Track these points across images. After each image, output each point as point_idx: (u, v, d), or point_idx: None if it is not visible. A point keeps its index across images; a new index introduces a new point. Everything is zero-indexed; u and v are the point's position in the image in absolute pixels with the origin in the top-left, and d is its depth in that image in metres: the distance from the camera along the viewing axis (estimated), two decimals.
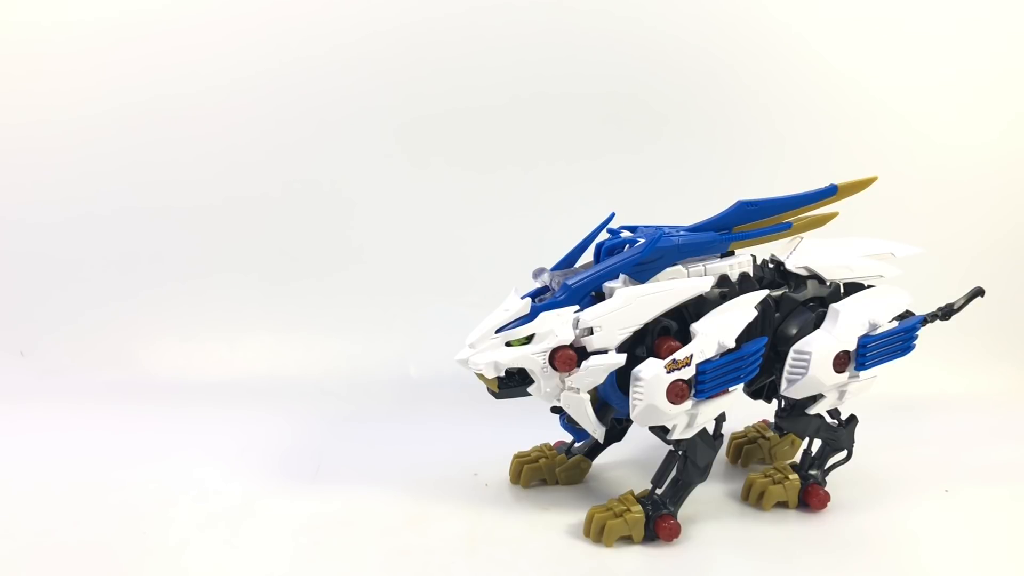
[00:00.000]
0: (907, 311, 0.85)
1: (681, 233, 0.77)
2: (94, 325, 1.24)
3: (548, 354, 0.72)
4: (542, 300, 0.76)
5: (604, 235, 0.80)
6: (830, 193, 0.81)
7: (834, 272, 0.83)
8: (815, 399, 0.82)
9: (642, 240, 0.76)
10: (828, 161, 1.27)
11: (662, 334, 0.75)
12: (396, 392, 1.18)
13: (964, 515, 0.85)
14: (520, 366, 0.72)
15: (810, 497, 0.85)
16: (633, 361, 0.73)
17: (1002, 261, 1.28)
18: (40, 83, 1.23)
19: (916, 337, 0.84)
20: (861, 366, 0.81)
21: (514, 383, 0.74)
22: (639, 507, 0.79)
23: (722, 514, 0.85)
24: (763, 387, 0.84)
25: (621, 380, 0.74)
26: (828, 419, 0.87)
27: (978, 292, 0.92)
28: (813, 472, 0.86)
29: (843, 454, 0.87)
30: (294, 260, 1.28)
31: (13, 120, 1.24)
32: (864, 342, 0.80)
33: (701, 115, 1.28)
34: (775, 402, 0.86)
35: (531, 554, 0.77)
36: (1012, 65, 1.28)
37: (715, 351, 0.73)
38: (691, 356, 0.72)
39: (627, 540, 0.78)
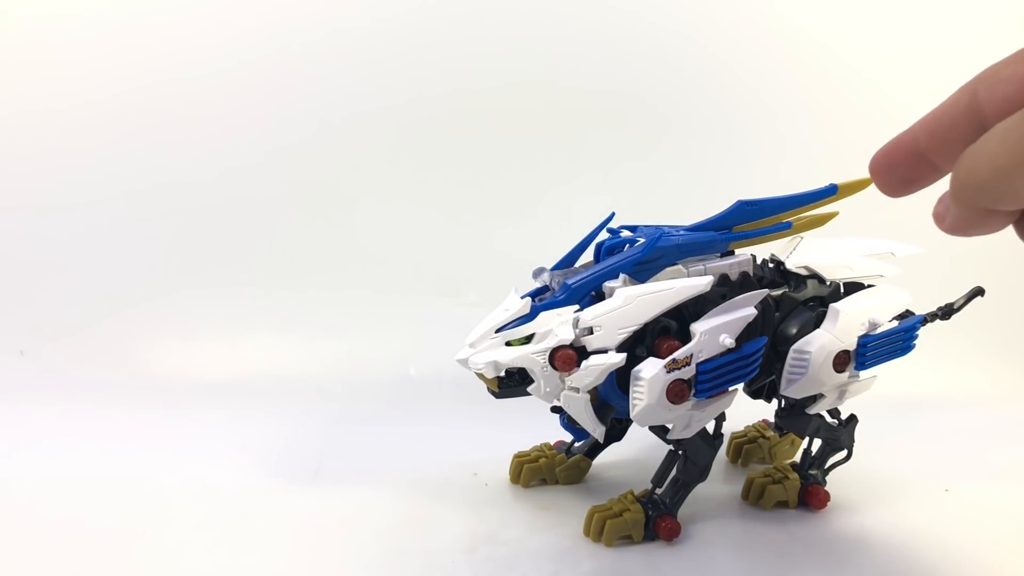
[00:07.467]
0: (907, 311, 0.85)
1: (681, 233, 0.76)
2: (94, 325, 1.24)
3: (548, 354, 0.72)
4: (542, 300, 0.76)
5: (604, 235, 0.80)
6: (830, 193, 0.80)
7: (834, 272, 0.83)
8: (815, 399, 0.82)
9: (642, 240, 0.76)
10: (828, 161, 1.26)
11: (662, 334, 0.75)
12: (396, 392, 1.18)
13: (964, 515, 0.85)
14: (520, 366, 0.72)
15: (810, 497, 0.85)
16: (633, 361, 0.73)
17: (1002, 261, 1.28)
18: (42, 84, 1.23)
19: (916, 337, 0.84)
20: (861, 366, 0.81)
21: (514, 383, 0.74)
22: (639, 507, 0.79)
23: (722, 514, 0.85)
24: (763, 387, 0.84)
25: (621, 380, 0.74)
26: (828, 419, 0.87)
27: (978, 292, 0.92)
28: (813, 472, 0.86)
29: (843, 454, 0.87)
30: (294, 260, 1.28)
31: (15, 122, 1.24)
32: (864, 342, 0.80)
33: (702, 115, 1.28)
34: (775, 402, 0.86)
35: (531, 554, 0.77)
36: None
37: (715, 351, 0.73)
38: (691, 356, 0.72)
39: (627, 540, 0.78)
